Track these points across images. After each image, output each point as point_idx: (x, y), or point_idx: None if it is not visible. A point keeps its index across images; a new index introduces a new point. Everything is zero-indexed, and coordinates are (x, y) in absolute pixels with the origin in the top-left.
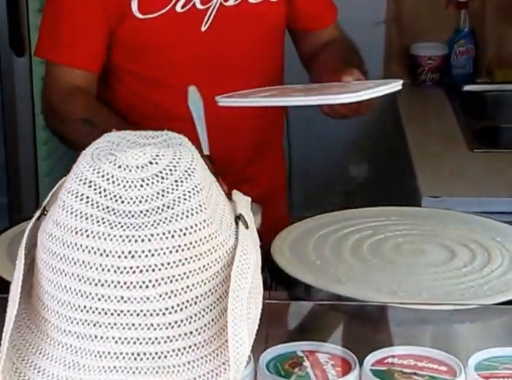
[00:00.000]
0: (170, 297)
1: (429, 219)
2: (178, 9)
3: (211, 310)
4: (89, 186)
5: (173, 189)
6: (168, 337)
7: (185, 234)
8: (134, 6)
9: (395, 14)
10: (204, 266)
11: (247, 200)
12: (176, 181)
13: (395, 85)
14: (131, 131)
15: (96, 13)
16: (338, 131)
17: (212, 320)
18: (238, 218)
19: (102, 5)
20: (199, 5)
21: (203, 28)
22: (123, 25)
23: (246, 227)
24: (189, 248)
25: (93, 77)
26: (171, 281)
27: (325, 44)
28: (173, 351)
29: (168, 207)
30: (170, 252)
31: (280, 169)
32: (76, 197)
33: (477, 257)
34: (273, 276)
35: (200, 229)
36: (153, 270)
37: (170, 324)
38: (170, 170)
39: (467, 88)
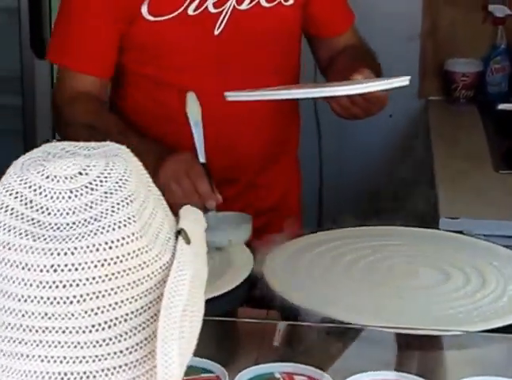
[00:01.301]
0: (96, 314)
1: (431, 241)
2: (190, 12)
3: (143, 328)
4: (16, 197)
5: (101, 201)
6: (97, 356)
7: (110, 248)
8: (144, 9)
9: (431, 29)
10: (134, 282)
11: (196, 215)
12: (106, 193)
13: (401, 80)
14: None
15: (106, 18)
16: (368, 145)
17: (146, 338)
18: (178, 232)
19: (113, 9)
20: (212, 9)
21: (216, 32)
22: (133, 28)
23: (188, 242)
24: (115, 263)
25: (103, 82)
26: (97, 297)
27: (341, 50)
28: (103, 370)
29: (95, 220)
30: (95, 266)
31: (294, 178)
32: (1, 208)
33: (471, 282)
34: (265, 295)
35: (127, 243)
36: (77, 285)
37: (97, 342)
38: (101, 181)
39: (501, 106)
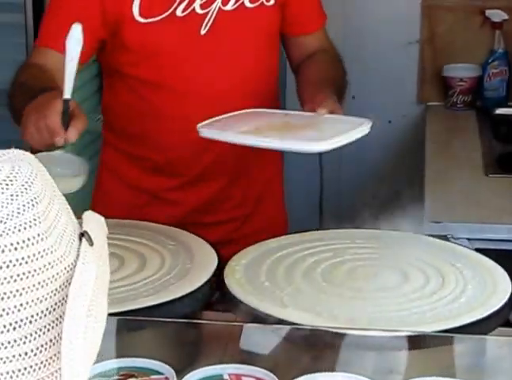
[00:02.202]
0: (1, 315)
1: (393, 243)
2: (179, 13)
3: (48, 330)
4: None
5: (8, 203)
6: (1, 358)
7: (16, 249)
8: (135, 10)
9: (430, 35)
10: (39, 283)
11: (99, 219)
12: (12, 195)
13: (364, 129)
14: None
15: (93, 16)
16: (368, 151)
17: (51, 340)
18: (82, 235)
19: (101, 9)
20: (199, 10)
21: (202, 32)
22: (123, 29)
23: (91, 244)
24: (21, 264)
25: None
26: (3, 298)
27: (311, 54)
28: (8, 373)
29: (1, 222)
30: (1, 267)
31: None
32: None
33: (430, 283)
34: (222, 296)
35: (33, 244)
36: None
37: (3, 344)
38: (7, 184)
39: (499, 111)
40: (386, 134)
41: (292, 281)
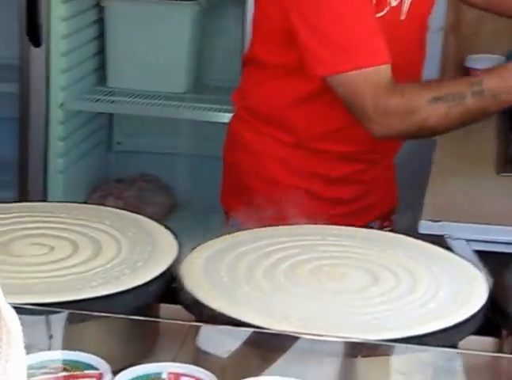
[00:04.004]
0: None
1: (369, 242)
2: (393, 3)
3: None
4: None
5: None
6: None
7: None
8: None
9: (455, 22)
10: None
11: None
12: None
13: None
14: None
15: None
16: None
17: None
18: None
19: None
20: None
21: (401, 18)
22: None
23: None
24: None
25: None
26: None
27: None
28: None
29: None
30: None
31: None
32: None
33: (400, 287)
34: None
35: None
36: None
37: None
38: None
39: None
40: None
41: (252, 278)
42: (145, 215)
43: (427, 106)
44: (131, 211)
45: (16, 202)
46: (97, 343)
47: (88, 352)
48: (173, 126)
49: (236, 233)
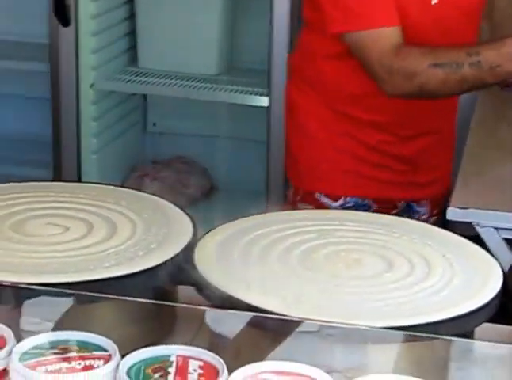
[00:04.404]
0: None
1: (388, 228)
2: None
3: None
4: None
5: None
6: None
7: None
8: None
9: (489, 9)
10: None
11: None
12: None
13: None
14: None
15: None
16: None
17: None
18: None
19: None
20: None
21: (433, 2)
22: None
23: None
24: None
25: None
26: None
27: None
28: None
29: None
30: None
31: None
32: None
33: (414, 273)
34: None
35: None
36: None
37: None
38: None
39: None
40: None
41: (266, 261)
42: (181, 197)
43: (427, 71)
44: (169, 192)
45: (34, 181)
46: (108, 325)
47: (99, 334)
48: (208, 108)
49: (253, 217)
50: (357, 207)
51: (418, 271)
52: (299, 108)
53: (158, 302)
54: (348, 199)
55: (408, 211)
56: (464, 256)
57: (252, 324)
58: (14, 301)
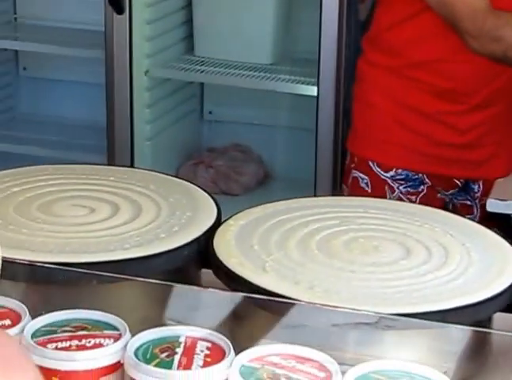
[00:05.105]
0: None
1: (410, 216)
2: None
3: None
4: None
5: None
6: None
7: None
8: None
9: None
10: None
11: None
12: None
13: None
14: None
15: None
16: None
17: None
18: None
19: None
20: None
21: None
22: None
23: None
24: None
25: None
26: None
27: None
28: None
29: None
30: None
31: None
32: None
33: (430, 261)
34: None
35: None
36: None
37: None
38: None
39: None
40: None
41: (284, 247)
42: (235, 185)
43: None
44: (224, 180)
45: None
46: (126, 305)
47: (115, 314)
48: (263, 97)
49: (277, 202)
50: (408, 180)
51: (435, 259)
52: (366, 79)
53: (173, 284)
54: (400, 170)
55: (466, 190)
56: (484, 245)
57: (264, 307)
58: (32, 279)
